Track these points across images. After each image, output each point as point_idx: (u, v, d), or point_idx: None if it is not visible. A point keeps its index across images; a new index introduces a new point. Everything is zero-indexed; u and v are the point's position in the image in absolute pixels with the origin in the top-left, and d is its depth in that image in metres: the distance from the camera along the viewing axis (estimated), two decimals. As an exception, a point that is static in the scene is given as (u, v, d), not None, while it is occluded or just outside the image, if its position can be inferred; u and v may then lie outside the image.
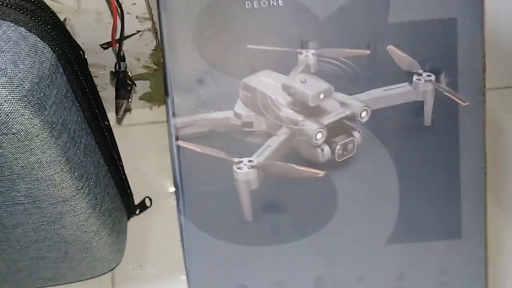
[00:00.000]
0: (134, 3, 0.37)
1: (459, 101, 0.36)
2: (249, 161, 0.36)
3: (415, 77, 0.36)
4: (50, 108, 0.30)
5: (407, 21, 0.35)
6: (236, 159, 0.36)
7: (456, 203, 0.37)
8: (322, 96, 0.36)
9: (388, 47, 0.36)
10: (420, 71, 0.36)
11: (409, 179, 0.37)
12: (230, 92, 0.35)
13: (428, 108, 0.36)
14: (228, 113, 0.36)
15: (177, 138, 0.36)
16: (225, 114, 0.36)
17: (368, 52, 0.36)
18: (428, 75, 0.36)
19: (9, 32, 0.29)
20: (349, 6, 0.35)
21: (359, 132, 0.36)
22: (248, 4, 0.35)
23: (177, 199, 0.37)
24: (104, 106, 0.38)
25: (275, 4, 0.35)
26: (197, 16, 0.35)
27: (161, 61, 0.40)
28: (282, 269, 0.37)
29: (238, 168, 0.36)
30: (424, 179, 0.37)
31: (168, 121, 0.36)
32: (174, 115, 0.36)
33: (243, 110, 0.36)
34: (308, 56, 0.36)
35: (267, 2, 0.35)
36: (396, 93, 0.36)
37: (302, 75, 0.36)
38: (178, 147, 0.36)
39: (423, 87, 0.36)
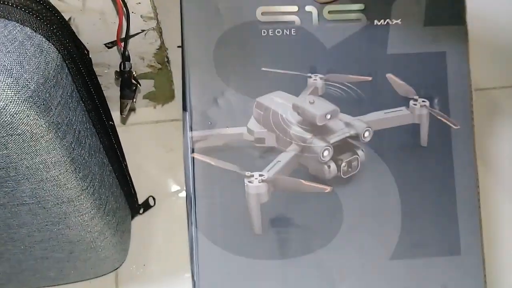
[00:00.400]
0: (139, 3, 0.37)
1: (451, 125, 0.40)
2: (260, 175, 0.38)
3: (411, 102, 0.40)
4: (56, 109, 0.29)
5: (403, 53, 0.40)
6: (247, 173, 0.38)
7: (454, 220, 0.39)
8: (328, 116, 0.39)
9: (387, 75, 0.40)
10: (416, 97, 0.40)
11: (409, 195, 0.39)
12: (244, 110, 0.38)
13: (424, 130, 0.40)
14: (242, 129, 0.38)
15: (192, 151, 0.38)
16: (238, 130, 0.38)
17: (370, 78, 0.39)
18: (423, 101, 0.40)
19: (14, 32, 0.28)
20: (353, 38, 0.40)
21: (362, 150, 0.39)
22: (264, 32, 0.39)
23: (189, 211, 0.38)
24: (108, 105, 0.37)
25: (288, 33, 0.39)
26: (216, 41, 0.38)
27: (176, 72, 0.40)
28: (289, 284, 0.38)
29: (250, 182, 0.37)
30: (423, 195, 0.39)
31: (184, 134, 0.38)
32: (191, 129, 0.38)
33: (255, 126, 0.38)
34: (317, 80, 0.39)
35: (281, 31, 0.39)
36: (395, 116, 0.40)
37: (311, 96, 0.39)
38: (193, 159, 0.38)
39: (418, 111, 0.40)
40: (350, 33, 0.40)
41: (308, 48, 0.39)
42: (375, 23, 0.40)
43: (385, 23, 0.40)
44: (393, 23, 0.40)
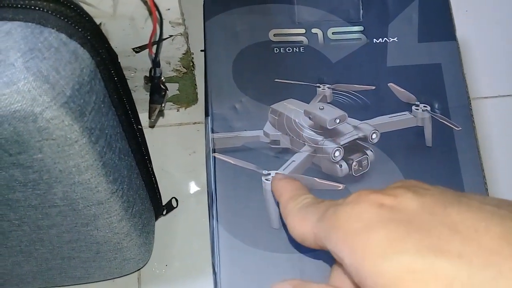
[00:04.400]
0: (169, 9, 0.37)
1: (453, 127, 0.42)
2: (276, 173, 0.40)
3: (414, 107, 0.43)
4: (89, 114, 0.30)
5: (402, 65, 0.44)
6: (264, 172, 0.40)
7: None
8: (338, 120, 0.42)
9: (388, 84, 0.43)
10: (417, 102, 0.43)
11: None
12: (260, 115, 0.42)
13: (428, 132, 0.42)
14: (258, 132, 0.42)
15: (214, 151, 0.41)
16: (255, 133, 0.42)
17: (373, 87, 0.43)
18: (424, 106, 0.43)
19: (50, 38, 0.29)
20: (356, 54, 0.44)
21: (371, 150, 0.42)
22: (276, 50, 0.44)
23: (210, 206, 0.40)
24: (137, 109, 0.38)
25: (297, 50, 0.44)
26: (235, 57, 0.43)
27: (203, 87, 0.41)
28: (306, 276, 0.38)
29: (267, 180, 0.40)
30: None
31: (206, 136, 0.42)
32: (212, 131, 0.41)
33: (271, 130, 0.42)
34: (325, 89, 0.43)
35: (291, 49, 0.44)
36: (399, 120, 0.43)
37: (320, 103, 0.43)
38: (214, 158, 0.41)
39: (421, 115, 0.43)
40: (352, 50, 0.44)
41: (315, 63, 0.44)
42: (374, 41, 0.44)
43: (383, 41, 0.44)
44: (390, 40, 0.45)
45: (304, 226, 0.27)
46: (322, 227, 0.25)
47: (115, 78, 0.34)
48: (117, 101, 0.34)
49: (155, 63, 0.37)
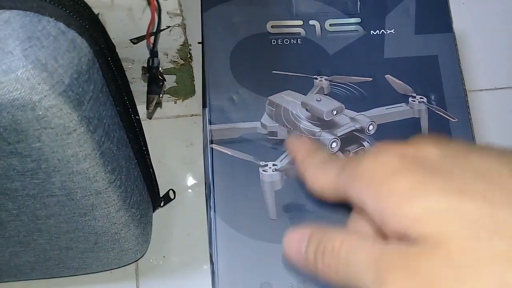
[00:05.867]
0: (166, -1, 0.37)
1: (449, 118, 0.43)
2: (274, 164, 0.41)
3: (410, 99, 0.43)
4: (88, 103, 0.30)
5: (399, 57, 0.44)
6: (262, 163, 0.41)
7: None
8: (335, 112, 0.42)
9: (385, 76, 0.44)
10: (414, 94, 0.43)
11: None
12: (257, 107, 0.42)
13: (424, 123, 0.43)
14: (256, 124, 0.42)
15: (211, 142, 0.41)
16: (253, 125, 0.42)
17: (370, 79, 0.43)
18: (421, 97, 0.43)
19: (48, 27, 0.29)
20: (353, 45, 0.44)
21: (368, 142, 0.42)
22: (274, 41, 0.44)
23: (208, 196, 0.40)
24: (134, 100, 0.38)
25: (294, 42, 0.44)
26: (232, 49, 0.43)
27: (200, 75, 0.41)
28: None
29: (264, 171, 0.40)
30: None
31: (204, 127, 0.42)
32: (210, 122, 0.42)
33: (268, 121, 0.42)
34: (322, 81, 0.43)
35: (288, 41, 0.44)
36: (396, 111, 0.43)
37: (318, 95, 0.43)
38: (212, 149, 0.41)
39: (417, 106, 0.43)
40: (350, 42, 0.44)
41: (313, 54, 0.44)
42: (371, 33, 0.45)
43: (380, 32, 0.45)
44: (387, 32, 0.45)
45: (324, 178, 0.26)
46: (344, 177, 0.25)
47: (113, 68, 0.34)
48: (115, 91, 0.34)
49: (153, 53, 0.37)
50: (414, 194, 0.21)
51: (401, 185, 0.21)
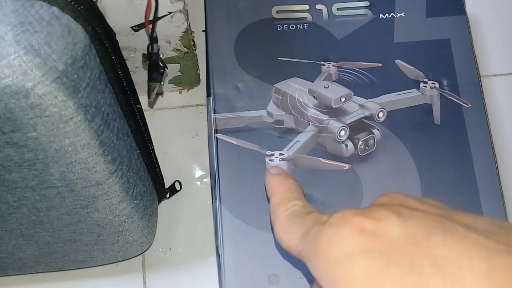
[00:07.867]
0: (166, -16, 0.36)
1: (462, 104, 0.41)
2: (280, 154, 0.40)
3: (421, 84, 0.42)
4: (84, 91, 0.29)
5: (410, 41, 0.42)
6: (268, 152, 0.40)
7: (475, 195, 0.39)
8: (343, 99, 0.41)
9: (396, 61, 0.42)
10: (425, 79, 0.42)
11: (427, 170, 0.40)
12: (263, 95, 0.41)
13: (436, 109, 0.41)
14: (262, 112, 0.41)
15: (216, 132, 0.40)
16: (258, 113, 0.41)
17: (380, 64, 0.42)
18: (432, 83, 0.42)
19: (41, 11, 0.28)
20: (362, 30, 0.43)
21: (378, 129, 0.41)
22: (279, 27, 0.43)
23: (213, 187, 0.39)
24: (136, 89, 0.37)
25: (301, 27, 0.43)
26: (237, 35, 0.42)
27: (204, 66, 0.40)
28: None
29: (270, 160, 0.39)
30: (441, 171, 0.40)
31: (208, 117, 0.41)
32: (214, 111, 0.41)
33: (274, 110, 0.41)
34: (330, 67, 0.42)
35: (294, 26, 0.43)
36: (406, 97, 0.41)
37: (325, 82, 0.41)
38: (217, 139, 0.40)
39: (429, 92, 0.41)
40: (358, 26, 0.43)
41: (320, 40, 0.42)
42: (380, 17, 0.43)
43: (390, 16, 0.43)
44: (397, 16, 0.43)
45: (289, 238, 0.27)
46: (305, 248, 0.25)
47: (112, 56, 0.33)
48: (114, 79, 0.33)
49: (152, 38, 0.36)
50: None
51: (356, 274, 0.21)
